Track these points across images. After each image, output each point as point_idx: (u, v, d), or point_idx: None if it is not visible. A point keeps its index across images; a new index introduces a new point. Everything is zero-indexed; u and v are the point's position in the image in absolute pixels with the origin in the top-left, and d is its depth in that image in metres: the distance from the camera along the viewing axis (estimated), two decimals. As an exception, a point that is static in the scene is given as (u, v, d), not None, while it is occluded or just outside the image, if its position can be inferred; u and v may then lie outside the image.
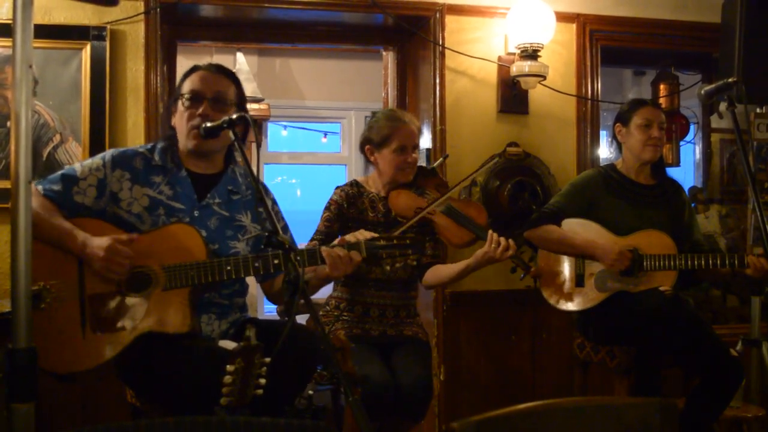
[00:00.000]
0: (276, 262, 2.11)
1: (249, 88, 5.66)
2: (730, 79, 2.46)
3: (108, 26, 3.32)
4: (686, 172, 4.81)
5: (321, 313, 2.96)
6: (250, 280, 2.35)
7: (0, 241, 3.22)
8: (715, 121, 4.42)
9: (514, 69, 3.65)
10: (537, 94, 3.78)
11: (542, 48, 3.61)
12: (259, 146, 3.38)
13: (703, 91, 2.51)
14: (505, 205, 3.65)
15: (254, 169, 2.14)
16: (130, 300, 2.11)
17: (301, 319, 2.98)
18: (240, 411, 1.85)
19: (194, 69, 2.36)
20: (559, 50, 3.83)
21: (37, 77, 3.23)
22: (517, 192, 3.66)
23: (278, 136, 6.71)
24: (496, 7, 3.75)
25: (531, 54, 3.60)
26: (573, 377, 3.30)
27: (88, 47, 3.29)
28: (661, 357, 2.89)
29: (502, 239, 2.66)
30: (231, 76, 2.36)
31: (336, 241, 2.26)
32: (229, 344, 2.07)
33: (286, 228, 2.44)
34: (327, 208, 2.94)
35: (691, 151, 4.67)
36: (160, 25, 3.41)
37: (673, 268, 2.93)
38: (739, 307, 4.25)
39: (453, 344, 3.70)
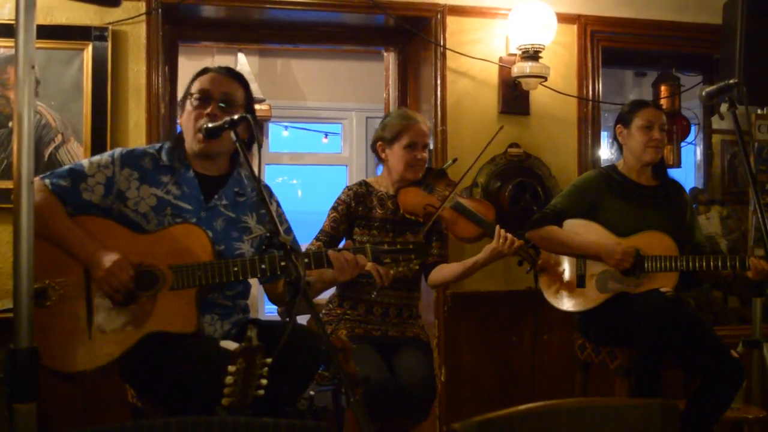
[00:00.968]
0: (283, 264, 2.12)
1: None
2: (731, 81, 2.46)
3: (110, 27, 3.32)
4: (687, 174, 4.81)
5: (323, 312, 2.97)
6: (252, 281, 2.36)
7: (2, 241, 3.23)
8: (716, 123, 4.42)
9: (515, 70, 3.65)
10: (538, 95, 3.78)
11: (543, 49, 3.61)
12: (260, 147, 3.38)
13: (704, 93, 2.51)
14: (506, 206, 3.65)
15: (255, 169, 2.14)
16: (138, 298, 2.11)
17: (302, 319, 2.98)
18: (241, 411, 1.85)
19: (205, 71, 2.37)
20: (560, 51, 3.83)
21: (38, 78, 3.23)
22: (518, 193, 3.66)
23: (279, 136, 6.71)
24: (497, 8, 3.75)
25: (532, 55, 3.60)
26: (574, 378, 3.30)
27: (90, 48, 3.30)
28: (662, 358, 2.89)
29: (509, 234, 2.76)
30: (240, 80, 2.38)
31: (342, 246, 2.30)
32: (230, 345, 2.07)
33: (289, 230, 2.46)
34: (334, 208, 2.96)
35: (692, 152, 4.67)
36: (161, 26, 3.41)
37: (674, 269, 2.93)
38: (740, 308, 4.25)
39: (454, 345, 3.70)
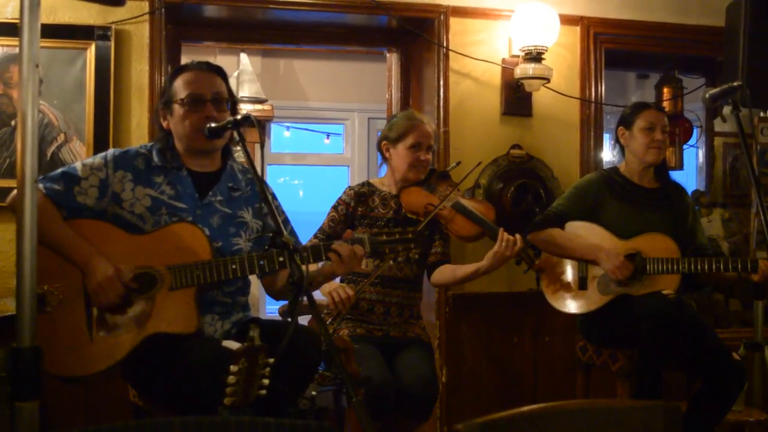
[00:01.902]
0: (281, 259, 2.11)
1: (252, 89, 5.67)
2: (734, 83, 2.47)
3: (113, 26, 3.32)
4: (689, 176, 4.81)
5: (324, 312, 2.97)
6: (252, 279, 2.36)
7: (3, 239, 3.23)
8: (718, 125, 4.42)
9: (518, 71, 3.65)
10: (541, 97, 3.78)
11: (546, 50, 3.61)
12: (262, 147, 3.40)
13: (707, 95, 2.51)
14: (509, 208, 3.65)
15: (257, 169, 2.14)
16: (137, 301, 2.11)
17: (303, 319, 2.98)
18: (243, 411, 1.85)
19: (184, 68, 2.36)
20: (563, 53, 3.83)
21: (41, 77, 3.23)
22: (520, 194, 3.66)
23: (281, 136, 6.71)
24: (500, 10, 3.75)
25: (535, 56, 3.60)
26: (575, 380, 3.30)
27: (93, 47, 3.30)
28: (664, 360, 2.89)
29: (510, 236, 2.77)
30: (221, 73, 2.37)
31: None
32: (232, 344, 2.07)
33: (286, 221, 2.45)
34: (334, 208, 2.98)
35: (694, 154, 4.67)
36: (164, 26, 3.41)
37: (676, 271, 2.93)
38: (741, 311, 4.24)
39: (455, 346, 3.70)
